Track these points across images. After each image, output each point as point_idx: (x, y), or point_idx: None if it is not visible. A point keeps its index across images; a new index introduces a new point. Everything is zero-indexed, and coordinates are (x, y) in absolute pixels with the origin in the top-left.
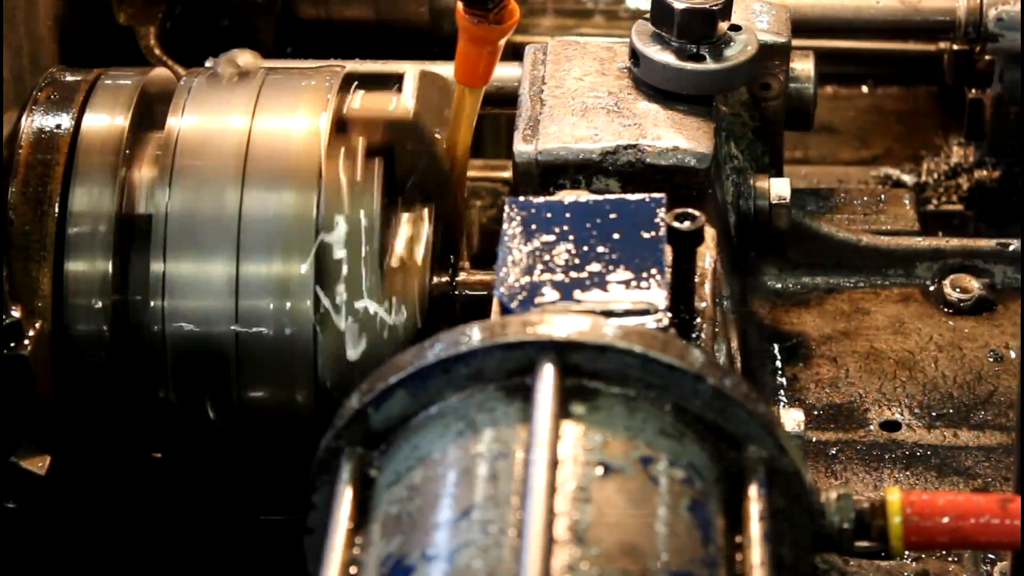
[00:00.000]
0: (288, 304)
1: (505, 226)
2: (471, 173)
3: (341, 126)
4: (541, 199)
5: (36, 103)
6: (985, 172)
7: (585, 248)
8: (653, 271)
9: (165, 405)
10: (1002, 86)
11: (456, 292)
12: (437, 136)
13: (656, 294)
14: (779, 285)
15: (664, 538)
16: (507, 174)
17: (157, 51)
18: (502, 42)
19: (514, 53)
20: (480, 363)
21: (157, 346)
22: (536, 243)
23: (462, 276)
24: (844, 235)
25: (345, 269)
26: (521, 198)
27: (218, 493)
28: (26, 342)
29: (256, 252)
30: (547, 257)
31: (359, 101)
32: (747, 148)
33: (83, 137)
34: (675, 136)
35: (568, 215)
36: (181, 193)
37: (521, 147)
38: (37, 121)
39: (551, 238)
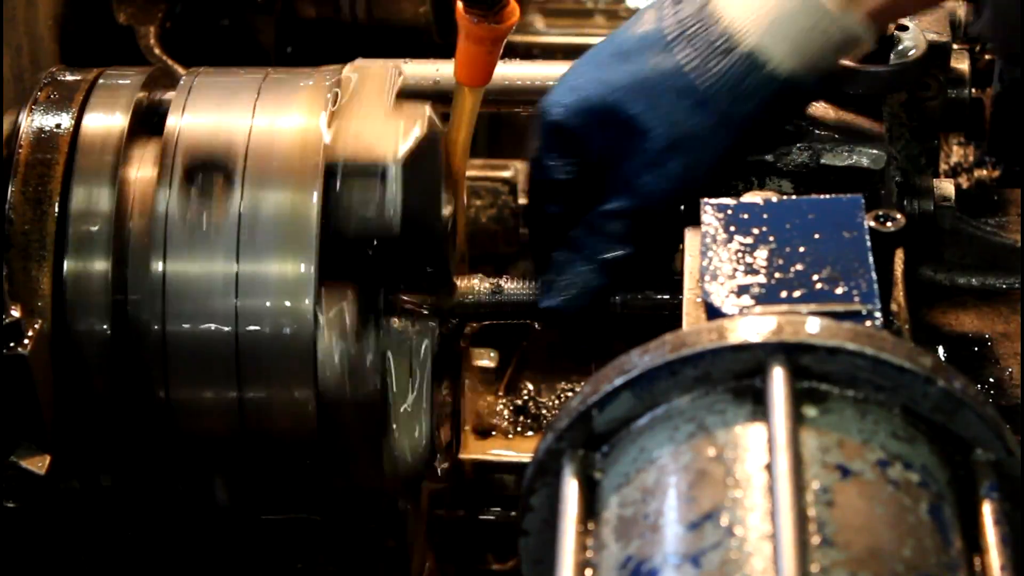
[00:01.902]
0: (288, 304)
1: (704, 228)
2: (471, 173)
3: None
4: (736, 200)
5: (36, 103)
6: (985, 172)
7: (787, 249)
8: (862, 271)
9: (165, 405)
10: (1002, 86)
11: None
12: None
13: (869, 294)
14: (942, 279)
15: (909, 542)
16: (507, 174)
17: (157, 51)
18: (502, 41)
19: (514, 52)
20: (708, 365)
21: (157, 346)
22: (736, 244)
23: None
24: (1002, 237)
25: None
26: (716, 199)
27: (218, 493)
28: (26, 342)
29: (256, 252)
30: (749, 259)
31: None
32: (904, 149)
33: (83, 137)
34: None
35: (765, 216)
36: (181, 193)
37: None
38: (37, 121)
39: (750, 239)
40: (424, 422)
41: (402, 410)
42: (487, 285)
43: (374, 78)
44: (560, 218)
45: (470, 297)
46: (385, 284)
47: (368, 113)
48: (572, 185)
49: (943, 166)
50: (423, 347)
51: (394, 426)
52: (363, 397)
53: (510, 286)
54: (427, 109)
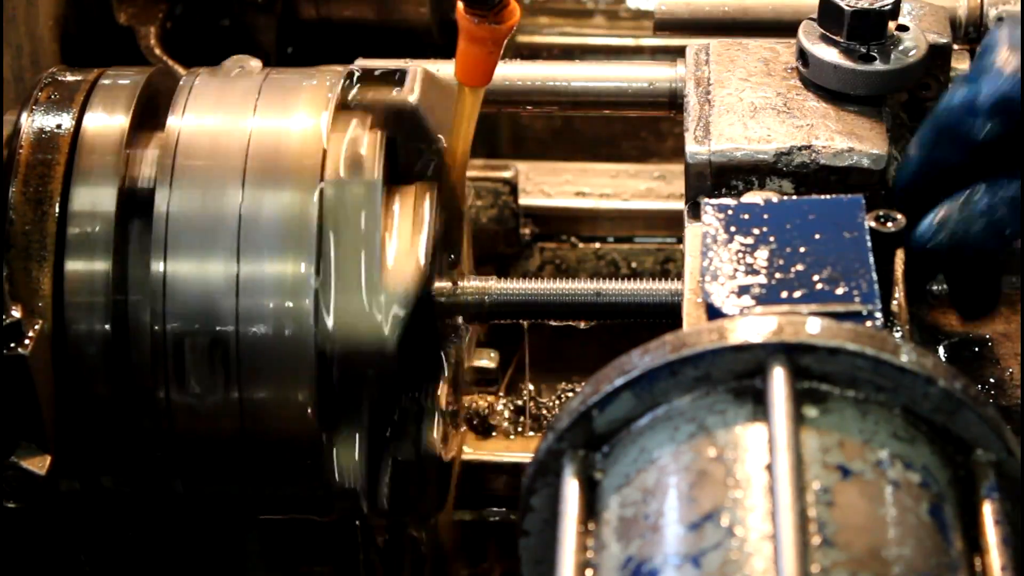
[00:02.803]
0: (288, 304)
1: (705, 228)
2: (471, 173)
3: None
4: (736, 200)
5: (36, 103)
6: None
7: (788, 249)
8: (862, 271)
9: (165, 405)
10: None
11: (458, 295)
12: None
13: (870, 295)
14: (935, 287)
15: (909, 542)
16: (507, 174)
17: (157, 51)
18: (503, 42)
19: (515, 52)
20: (709, 365)
21: (157, 346)
22: (737, 245)
23: (464, 281)
24: None
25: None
26: (717, 199)
27: (218, 493)
28: (26, 342)
29: (256, 252)
30: (749, 259)
31: (359, 92)
32: (904, 149)
33: (83, 137)
34: (848, 137)
35: (766, 216)
36: (181, 193)
37: (694, 148)
38: (37, 121)
39: (751, 240)
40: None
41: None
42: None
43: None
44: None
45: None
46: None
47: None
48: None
49: None
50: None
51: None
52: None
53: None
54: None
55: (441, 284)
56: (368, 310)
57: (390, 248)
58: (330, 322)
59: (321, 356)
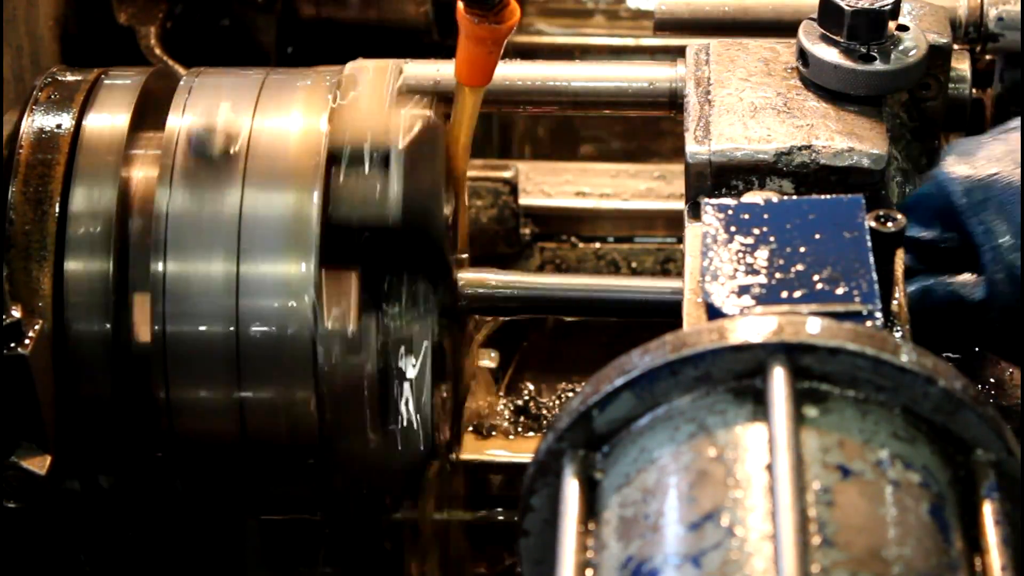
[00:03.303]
0: (288, 304)
1: (705, 228)
2: (471, 173)
3: None
4: (736, 200)
5: (36, 103)
6: None
7: (788, 249)
8: (862, 271)
9: (165, 406)
10: (1002, 86)
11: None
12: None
13: (870, 295)
14: None
15: (909, 542)
16: (507, 174)
17: (157, 51)
18: (503, 42)
19: (515, 52)
20: (709, 365)
21: (157, 346)
22: (737, 244)
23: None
24: None
25: None
26: (717, 199)
27: (218, 493)
28: (26, 342)
29: (256, 252)
30: (749, 259)
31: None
32: (904, 149)
33: (83, 137)
34: (848, 137)
35: (766, 216)
36: (181, 193)
37: (694, 148)
38: (37, 121)
39: (751, 240)
40: (424, 411)
41: (402, 399)
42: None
43: (375, 74)
44: None
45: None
46: (387, 273)
47: (371, 104)
48: None
49: None
50: (422, 334)
51: (393, 414)
52: (363, 379)
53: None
54: (428, 102)
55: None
56: None
57: None
58: None
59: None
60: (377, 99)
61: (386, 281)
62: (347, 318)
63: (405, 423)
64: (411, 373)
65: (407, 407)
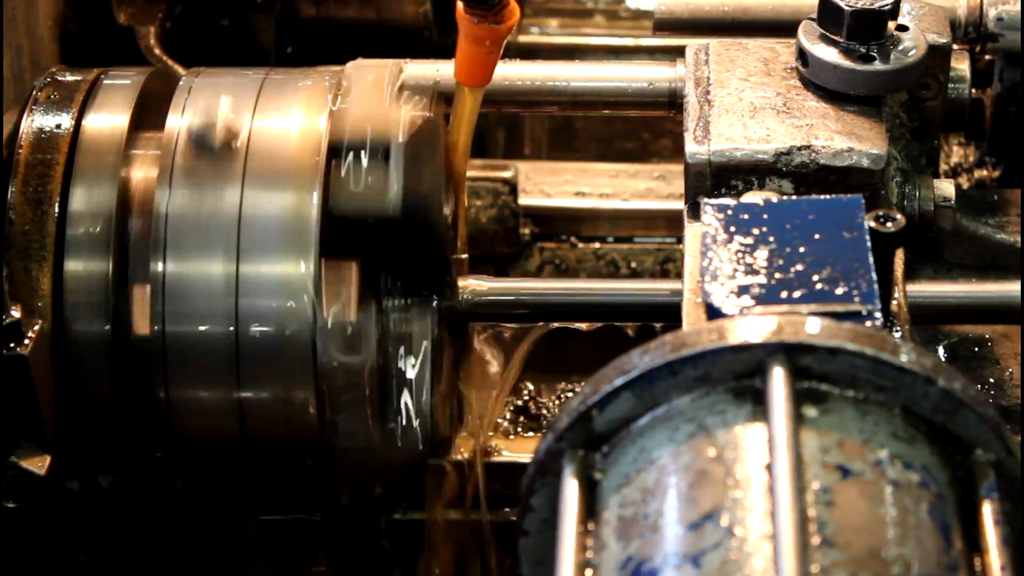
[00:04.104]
0: (288, 304)
1: (705, 228)
2: (471, 173)
3: None
4: (736, 200)
5: (36, 103)
6: (985, 172)
7: (787, 249)
8: (862, 271)
9: (165, 406)
10: (1002, 86)
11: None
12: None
13: (869, 295)
14: None
15: (909, 542)
16: (507, 174)
17: (157, 51)
18: (503, 42)
19: (515, 52)
20: (708, 365)
21: (157, 346)
22: (736, 245)
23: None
24: (1002, 236)
25: None
26: (716, 199)
27: (218, 493)
28: (26, 342)
29: (256, 252)
30: (749, 259)
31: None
32: (904, 149)
33: (83, 137)
34: (848, 137)
35: (765, 216)
36: (181, 193)
37: (693, 148)
38: (37, 121)
39: (750, 240)
40: (423, 405)
41: (402, 392)
42: None
43: (375, 72)
44: None
45: None
46: (386, 267)
47: (371, 99)
48: None
49: (943, 166)
50: (422, 329)
51: (393, 408)
52: (363, 370)
53: None
54: (428, 101)
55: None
56: None
57: None
58: None
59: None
60: (377, 96)
61: (386, 276)
62: (347, 312)
63: (404, 421)
64: (410, 371)
65: (406, 404)
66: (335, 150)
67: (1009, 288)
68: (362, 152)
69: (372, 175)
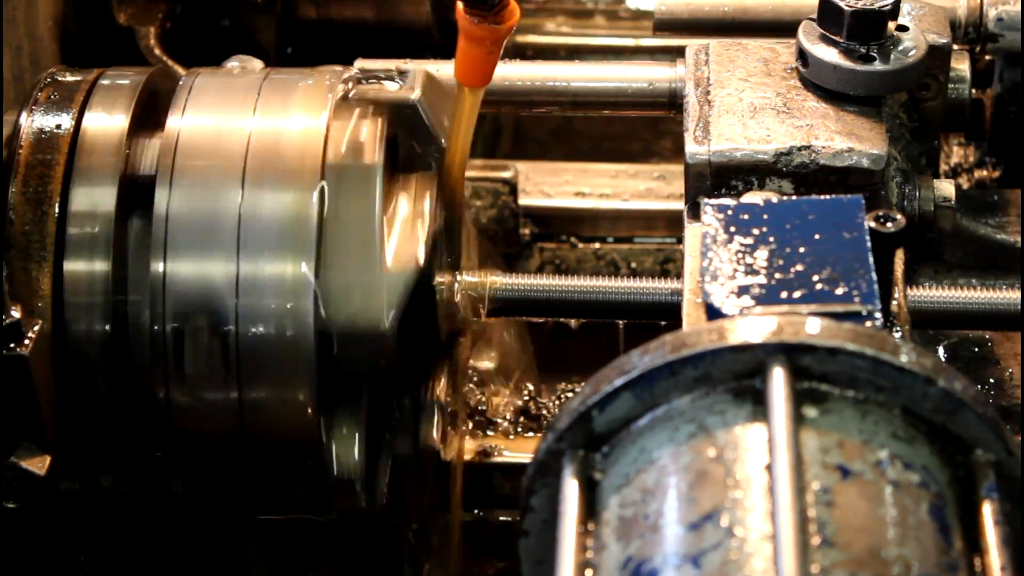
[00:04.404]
0: (288, 304)
1: (705, 228)
2: (471, 173)
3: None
4: (736, 201)
5: (36, 103)
6: (985, 172)
7: (787, 249)
8: (862, 271)
9: (165, 406)
10: (1002, 86)
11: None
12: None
13: (869, 295)
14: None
15: (909, 542)
16: (507, 174)
17: (157, 51)
18: (503, 42)
19: (515, 52)
20: (708, 365)
21: (157, 346)
22: (736, 245)
23: (465, 277)
24: (1002, 236)
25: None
26: (716, 199)
27: (218, 493)
28: (26, 342)
29: (256, 251)
30: (749, 259)
31: (361, 90)
32: (904, 149)
33: (83, 137)
34: (848, 137)
35: (765, 216)
36: (181, 193)
37: (693, 148)
38: (37, 121)
39: (750, 240)
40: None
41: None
42: None
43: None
44: None
45: None
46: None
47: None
48: None
49: (943, 166)
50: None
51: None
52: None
53: None
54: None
55: (441, 279)
56: (367, 292)
57: (390, 235)
58: (328, 306)
59: (321, 346)
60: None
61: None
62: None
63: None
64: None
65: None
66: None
67: (1010, 296)
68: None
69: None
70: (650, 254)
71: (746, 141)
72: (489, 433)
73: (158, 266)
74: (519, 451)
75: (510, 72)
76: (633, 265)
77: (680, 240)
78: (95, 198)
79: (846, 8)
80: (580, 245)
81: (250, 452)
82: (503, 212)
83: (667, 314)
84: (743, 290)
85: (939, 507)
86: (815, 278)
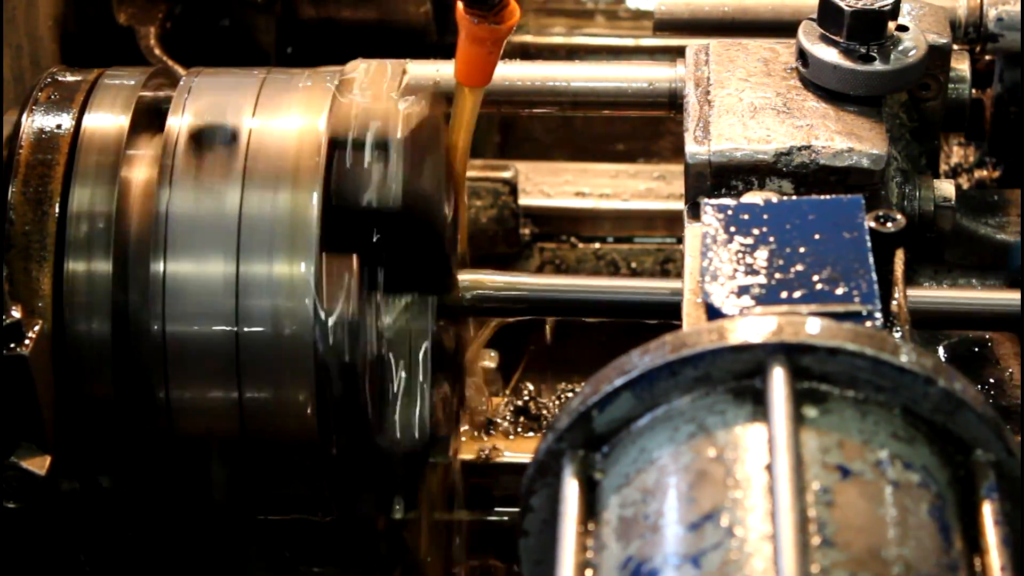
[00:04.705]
0: (288, 304)
1: (705, 228)
2: (471, 173)
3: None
4: (736, 201)
5: (36, 103)
6: (985, 172)
7: (787, 249)
8: (862, 271)
9: (165, 406)
10: (1002, 86)
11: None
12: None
13: (869, 295)
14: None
15: (909, 542)
16: (507, 174)
17: (157, 51)
18: (503, 42)
19: (515, 52)
20: (708, 365)
21: (157, 346)
22: (736, 245)
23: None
24: (1002, 236)
25: None
26: (716, 200)
27: (218, 493)
28: (26, 342)
29: (256, 252)
30: (749, 259)
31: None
32: (904, 149)
33: (83, 137)
34: (848, 137)
35: (765, 216)
36: (181, 193)
37: (693, 148)
38: (37, 121)
39: (750, 240)
40: (422, 402)
41: (400, 387)
42: None
43: (380, 68)
44: None
45: None
46: (387, 264)
47: (374, 94)
48: None
49: (943, 166)
50: (420, 326)
51: (391, 402)
52: (362, 364)
53: None
54: (429, 100)
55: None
56: None
57: None
58: None
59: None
60: (379, 92)
61: (387, 272)
62: (347, 308)
63: (404, 418)
64: (410, 368)
65: (405, 401)
66: (337, 143)
67: (1010, 296)
68: (363, 145)
69: (373, 168)
70: (650, 254)
71: (746, 141)
72: (491, 433)
73: (158, 266)
74: (519, 451)
75: (510, 72)
76: (633, 265)
77: (680, 240)
78: (95, 198)
79: (846, 8)
80: (580, 245)
81: (250, 452)
82: (503, 212)
83: (667, 314)
84: (743, 290)
85: (939, 507)
86: (815, 278)
